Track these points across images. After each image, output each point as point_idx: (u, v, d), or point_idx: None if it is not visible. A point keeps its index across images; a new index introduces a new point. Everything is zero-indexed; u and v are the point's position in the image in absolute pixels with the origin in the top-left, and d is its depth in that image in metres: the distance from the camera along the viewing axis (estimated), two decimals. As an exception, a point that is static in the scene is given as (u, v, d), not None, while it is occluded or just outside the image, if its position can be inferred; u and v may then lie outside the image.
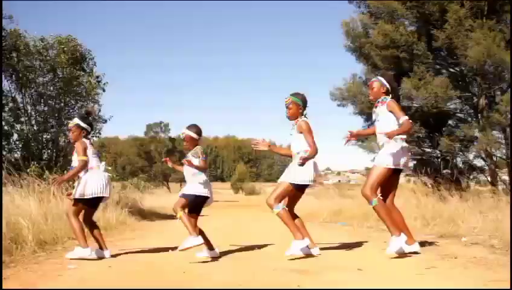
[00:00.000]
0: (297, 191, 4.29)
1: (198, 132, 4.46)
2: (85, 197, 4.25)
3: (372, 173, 4.14)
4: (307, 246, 4.33)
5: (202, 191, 4.27)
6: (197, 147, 4.42)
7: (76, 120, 4.52)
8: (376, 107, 4.33)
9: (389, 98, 4.23)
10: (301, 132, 4.25)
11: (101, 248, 4.50)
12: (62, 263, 4.06)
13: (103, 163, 4.49)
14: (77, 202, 4.29)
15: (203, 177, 4.30)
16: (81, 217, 4.42)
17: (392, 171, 4.10)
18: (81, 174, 4.32)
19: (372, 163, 4.44)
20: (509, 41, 8.69)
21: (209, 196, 4.33)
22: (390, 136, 3.97)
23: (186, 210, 4.28)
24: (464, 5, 9.02)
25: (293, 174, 4.19)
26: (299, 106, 4.34)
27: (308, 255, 4.30)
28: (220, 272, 3.68)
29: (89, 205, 4.42)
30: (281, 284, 3.15)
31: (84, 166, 4.30)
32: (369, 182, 4.10)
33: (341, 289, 2.99)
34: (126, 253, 4.82)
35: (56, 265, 3.96)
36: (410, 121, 4.06)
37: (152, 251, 4.89)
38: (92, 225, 4.55)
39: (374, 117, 4.40)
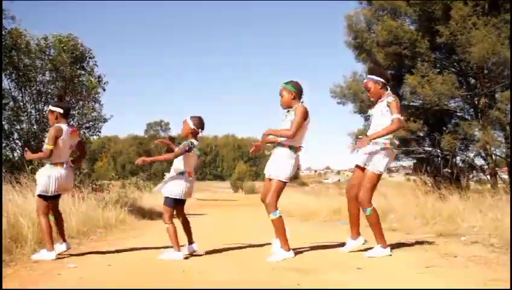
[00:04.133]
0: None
1: (197, 123, 4.33)
2: (48, 194, 4.22)
3: (368, 180, 4.13)
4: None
5: (176, 193, 4.25)
6: (188, 140, 4.30)
7: (49, 107, 4.47)
8: (372, 108, 4.32)
9: (391, 97, 4.15)
10: (295, 115, 4.08)
11: (64, 240, 4.50)
12: (62, 262, 4.07)
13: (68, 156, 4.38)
14: (44, 199, 4.24)
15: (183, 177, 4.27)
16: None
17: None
18: (49, 165, 4.24)
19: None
20: (510, 39, 8.68)
21: (180, 197, 4.27)
22: (361, 142, 4.05)
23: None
24: (467, 3, 9.00)
25: (279, 171, 4.14)
26: (291, 92, 4.19)
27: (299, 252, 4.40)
28: (219, 271, 3.68)
29: (54, 199, 4.40)
30: (281, 284, 3.15)
31: (46, 156, 4.20)
32: (366, 189, 4.11)
33: (341, 289, 2.98)
34: (126, 251, 4.81)
35: (56, 264, 3.96)
36: (401, 119, 4.03)
37: (152, 250, 4.88)
38: (57, 214, 4.52)
39: (372, 113, 4.33)
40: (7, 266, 3.76)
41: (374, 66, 4.52)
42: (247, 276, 3.48)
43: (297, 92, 4.21)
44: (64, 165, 4.31)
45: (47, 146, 4.22)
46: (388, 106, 4.10)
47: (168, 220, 4.25)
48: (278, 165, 4.15)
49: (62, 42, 10.34)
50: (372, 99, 4.36)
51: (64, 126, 4.32)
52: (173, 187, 4.24)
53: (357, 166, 4.30)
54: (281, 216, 4.15)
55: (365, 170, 4.19)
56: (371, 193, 4.12)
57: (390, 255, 4.09)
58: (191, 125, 4.32)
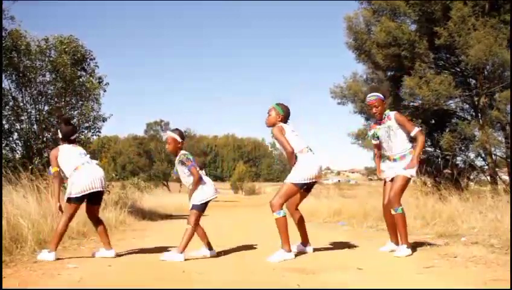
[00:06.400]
0: (300, 190, 4.30)
1: (182, 135, 4.45)
2: (72, 196, 4.24)
3: (399, 182, 4.25)
4: (302, 244, 4.55)
5: (207, 197, 4.32)
6: (181, 152, 4.39)
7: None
8: (380, 124, 4.41)
9: (391, 112, 4.34)
10: (275, 139, 4.30)
11: (105, 246, 4.50)
12: (62, 262, 4.07)
13: (87, 158, 4.45)
14: (70, 202, 4.26)
15: (202, 182, 4.32)
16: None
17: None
18: (69, 176, 4.31)
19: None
20: (510, 40, 8.68)
21: (214, 197, 4.38)
22: (413, 164, 4.19)
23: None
24: (467, 3, 9.00)
25: (291, 174, 4.23)
26: (278, 114, 4.38)
27: (302, 252, 4.47)
28: (219, 272, 3.68)
29: (87, 203, 4.42)
30: (281, 284, 3.15)
31: (55, 176, 4.33)
32: (397, 189, 4.23)
33: (341, 289, 2.99)
34: (126, 253, 4.81)
35: (56, 264, 3.96)
36: (421, 130, 4.20)
37: (152, 251, 4.88)
38: (97, 222, 4.54)
39: (381, 133, 4.42)
40: (7, 267, 3.76)
41: (377, 86, 4.75)
42: (248, 276, 3.48)
43: (284, 115, 4.41)
44: (80, 168, 4.35)
45: (51, 169, 4.38)
46: (398, 123, 4.26)
47: (193, 222, 4.25)
48: (292, 170, 4.25)
49: (63, 44, 10.35)
50: (377, 116, 4.43)
51: (62, 146, 4.45)
52: (200, 194, 4.29)
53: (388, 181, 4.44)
54: (285, 216, 4.18)
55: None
56: (398, 194, 4.24)
57: (411, 254, 4.21)
58: (179, 138, 4.40)
